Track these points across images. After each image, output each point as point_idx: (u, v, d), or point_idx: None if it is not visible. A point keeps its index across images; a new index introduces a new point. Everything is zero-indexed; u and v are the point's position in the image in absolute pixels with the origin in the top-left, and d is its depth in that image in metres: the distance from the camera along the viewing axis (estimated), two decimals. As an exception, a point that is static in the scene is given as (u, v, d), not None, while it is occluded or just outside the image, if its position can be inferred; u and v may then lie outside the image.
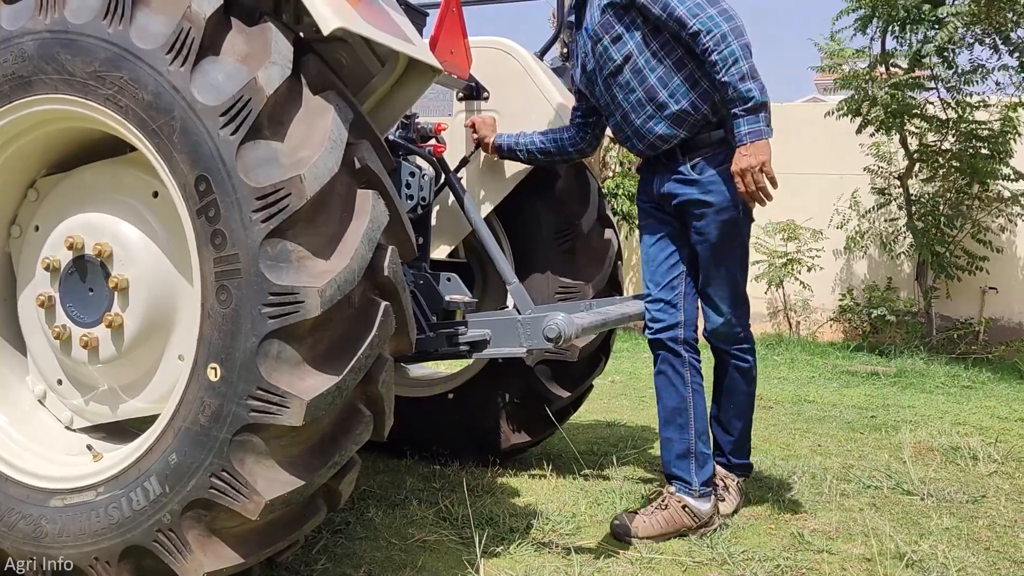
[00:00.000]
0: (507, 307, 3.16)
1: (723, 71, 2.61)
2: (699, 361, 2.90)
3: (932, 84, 7.31)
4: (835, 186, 8.25)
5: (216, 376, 1.90)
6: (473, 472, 3.39)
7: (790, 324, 8.54)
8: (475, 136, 3.27)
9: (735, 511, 2.99)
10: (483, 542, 2.57)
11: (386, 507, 2.97)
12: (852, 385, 6.12)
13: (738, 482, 3.07)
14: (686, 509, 2.81)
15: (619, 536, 2.76)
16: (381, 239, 1.98)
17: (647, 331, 2.92)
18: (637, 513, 2.82)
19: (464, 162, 3.29)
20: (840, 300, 8.28)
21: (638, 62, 2.76)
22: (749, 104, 2.61)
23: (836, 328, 8.40)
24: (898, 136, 7.63)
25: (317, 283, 1.84)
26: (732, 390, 3.02)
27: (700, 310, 2.95)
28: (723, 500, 2.97)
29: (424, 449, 3.61)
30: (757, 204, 2.73)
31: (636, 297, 3.12)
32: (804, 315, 8.48)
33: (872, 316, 7.88)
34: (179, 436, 1.95)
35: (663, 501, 2.84)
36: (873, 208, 8.03)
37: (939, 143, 7.56)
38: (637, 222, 3.09)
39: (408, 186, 2.87)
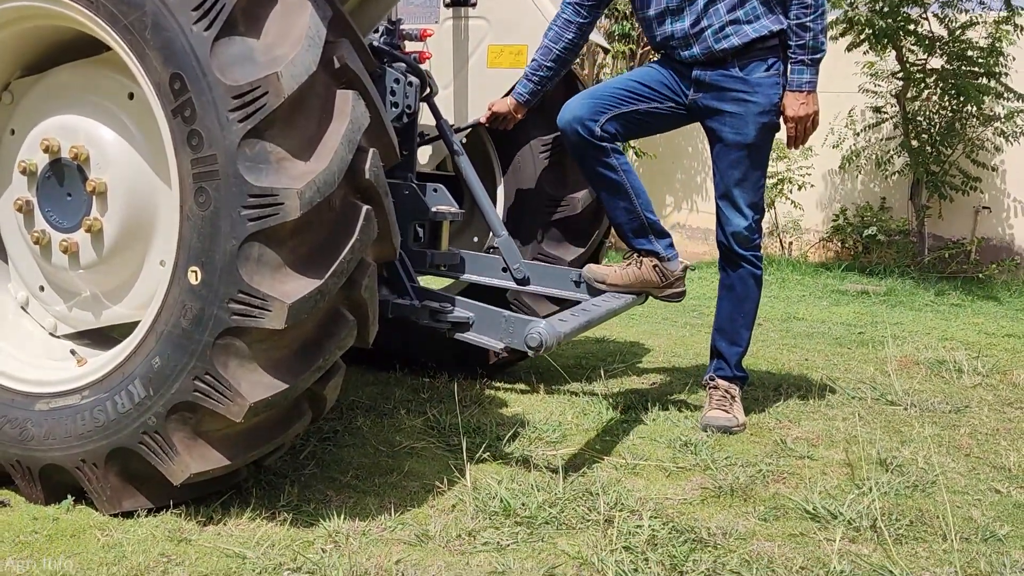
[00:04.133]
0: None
1: (812, 17, 2.82)
2: (620, 147, 3.02)
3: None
4: (831, 104, 8.11)
5: (197, 279, 1.90)
6: (461, 384, 3.40)
7: (781, 244, 8.53)
8: (496, 113, 3.16)
9: (745, 423, 3.01)
10: (469, 449, 2.59)
11: (374, 416, 2.99)
12: (842, 303, 6.14)
13: (740, 392, 3.13)
14: (656, 268, 2.96)
15: (591, 281, 2.92)
16: (362, 141, 1.95)
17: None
18: (611, 266, 2.98)
19: (474, 124, 3.24)
20: (833, 220, 8.25)
21: None
22: (818, 56, 2.86)
23: (828, 248, 8.40)
24: (894, 53, 7.51)
25: (296, 185, 1.82)
26: (744, 297, 3.08)
27: (719, 216, 3.03)
28: (730, 410, 3.01)
29: (413, 362, 3.63)
30: (792, 148, 3.00)
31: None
32: (795, 236, 8.46)
33: (864, 236, 7.86)
34: (161, 340, 1.96)
35: (638, 261, 2.97)
36: (868, 127, 7.94)
37: (925, 62, 7.44)
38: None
39: (392, 93, 2.82)
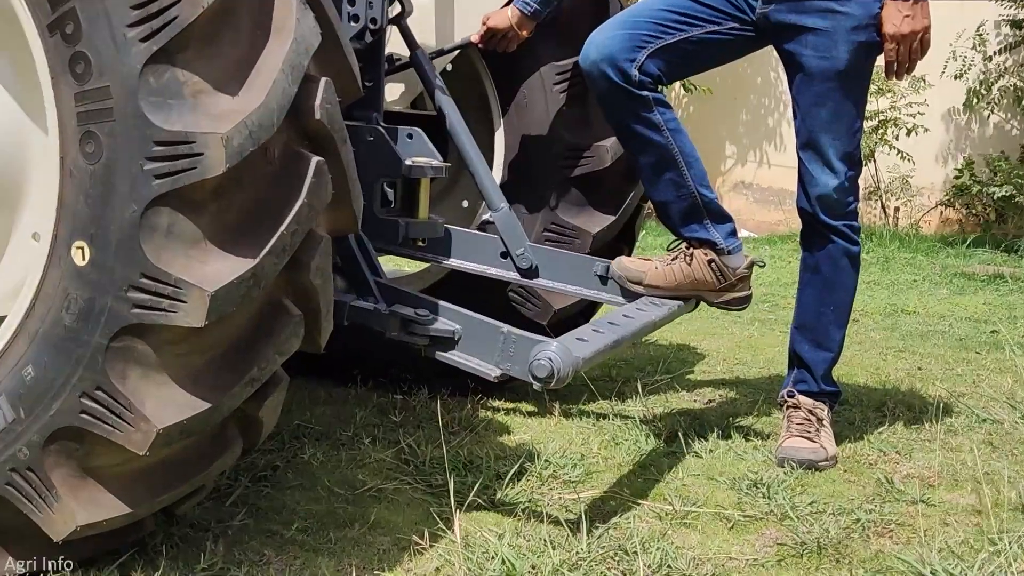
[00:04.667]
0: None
1: None
2: (664, 95, 3.04)
3: None
4: (952, 19, 8.09)
5: (84, 259, 1.89)
6: (447, 404, 3.42)
7: (884, 210, 8.55)
8: (494, 29, 3.16)
9: (837, 455, 3.03)
10: (459, 491, 2.58)
11: (327, 447, 3.01)
12: (967, 292, 6.19)
13: (830, 414, 3.14)
14: (712, 264, 2.98)
15: (622, 280, 2.92)
16: (310, 68, 1.94)
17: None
18: (650, 259, 2.99)
19: (464, 45, 3.25)
20: (955, 177, 8.25)
21: None
22: None
23: (948, 216, 8.40)
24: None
25: (220, 128, 1.81)
26: (835, 284, 3.10)
27: (801, 173, 3.06)
28: (816, 438, 3.02)
29: (381, 373, 3.64)
30: (894, 78, 2.99)
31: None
32: (904, 199, 8.46)
33: (997, 199, 7.86)
34: (36, 343, 1.96)
35: (687, 254, 2.99)
36: (1004, 49, 7.91)
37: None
38: None
39: (351, 2, 2.80)
